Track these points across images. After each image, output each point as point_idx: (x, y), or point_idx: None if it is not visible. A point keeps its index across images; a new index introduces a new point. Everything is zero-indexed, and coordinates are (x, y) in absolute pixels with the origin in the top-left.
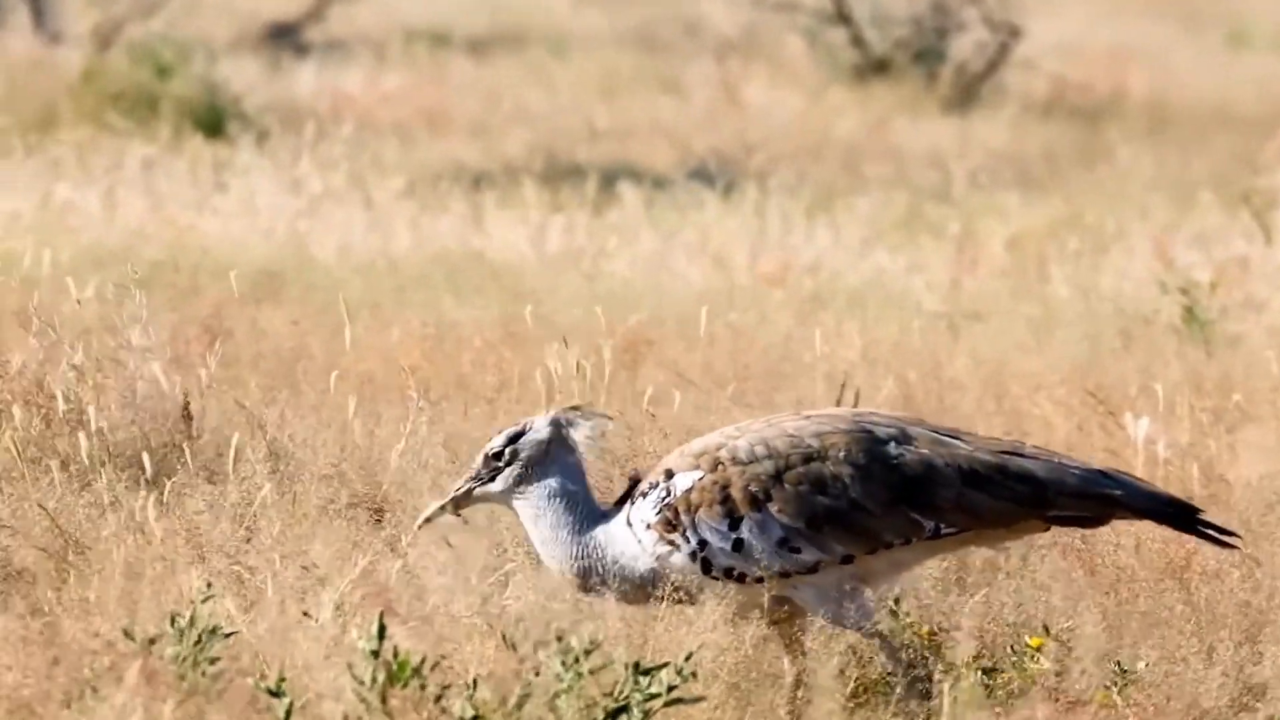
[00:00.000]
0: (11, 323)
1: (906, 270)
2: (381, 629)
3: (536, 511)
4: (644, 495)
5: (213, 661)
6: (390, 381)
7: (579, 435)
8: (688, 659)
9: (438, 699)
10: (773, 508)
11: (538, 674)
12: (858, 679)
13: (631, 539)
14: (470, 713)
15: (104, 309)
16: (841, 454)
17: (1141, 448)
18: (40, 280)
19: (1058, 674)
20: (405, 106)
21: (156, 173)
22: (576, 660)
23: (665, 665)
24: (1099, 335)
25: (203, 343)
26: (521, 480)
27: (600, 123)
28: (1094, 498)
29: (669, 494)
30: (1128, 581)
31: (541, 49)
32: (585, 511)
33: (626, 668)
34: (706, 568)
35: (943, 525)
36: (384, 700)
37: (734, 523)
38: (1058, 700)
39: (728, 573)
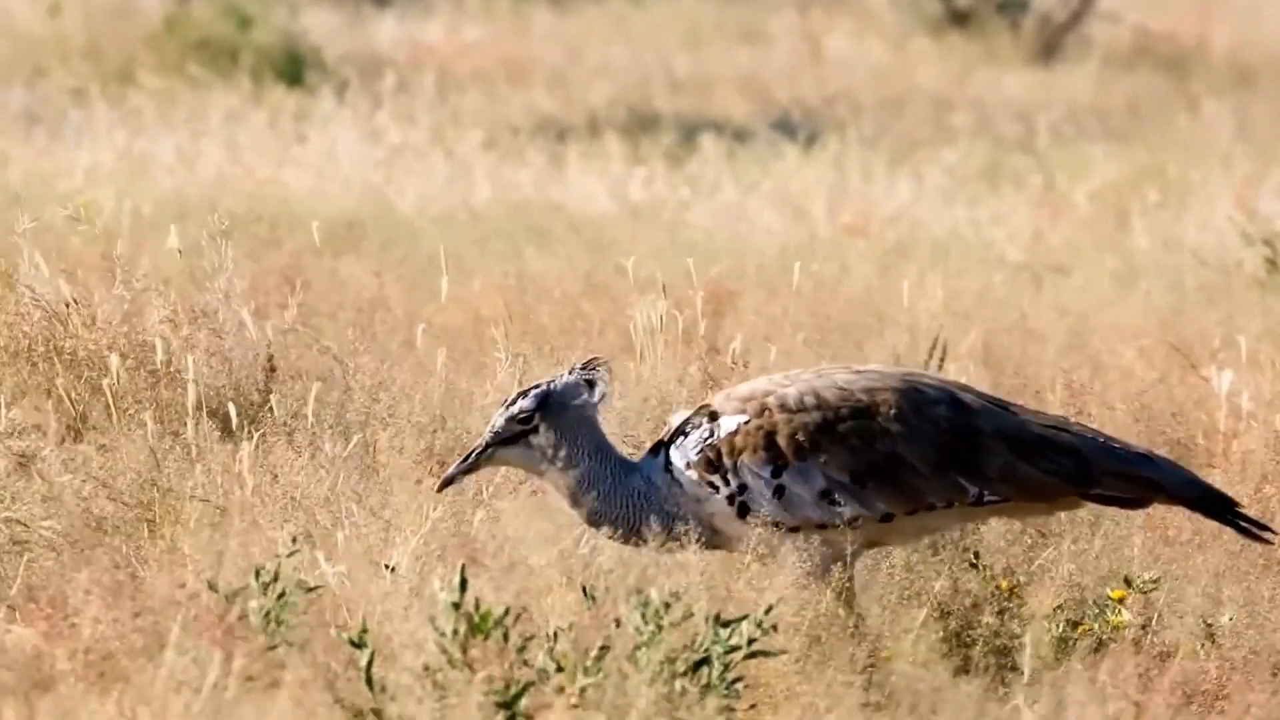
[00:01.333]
0: (95, 273)
1: (989, 222)
2: (463, 581)
3: (570, 471)
4: (684, 435)
5: (299, 614)
6: (472, 332)
7: (602, 390)
8: (768, 612)
9: (519, 650)
10: (818, 458)
11: (618, 626)
12: (939, 632)
13: (666, 482)
14: (551, 665)
15: (185, 260)
16: (892, 411)
17: (1225, 400)
18: (121, 231)
19: (1142, 627)
20: (486, 57)
21: (236, 124)
22: (657, 613)
23: (745, 618)
24: (1181, 287)
25: (282, 294)
26: (553, 442)
27: (681, 74)
28: (1136, 480)
29: (712, 434)
30: (1210, 535)
31: (623, 0)
32: (618, 464)
33: (707, 620)
34: (744, 511)
35: (986, 493)
36: (465, 651)
37: (777, 469)
38: (1141, 652)
39: (766, 519)
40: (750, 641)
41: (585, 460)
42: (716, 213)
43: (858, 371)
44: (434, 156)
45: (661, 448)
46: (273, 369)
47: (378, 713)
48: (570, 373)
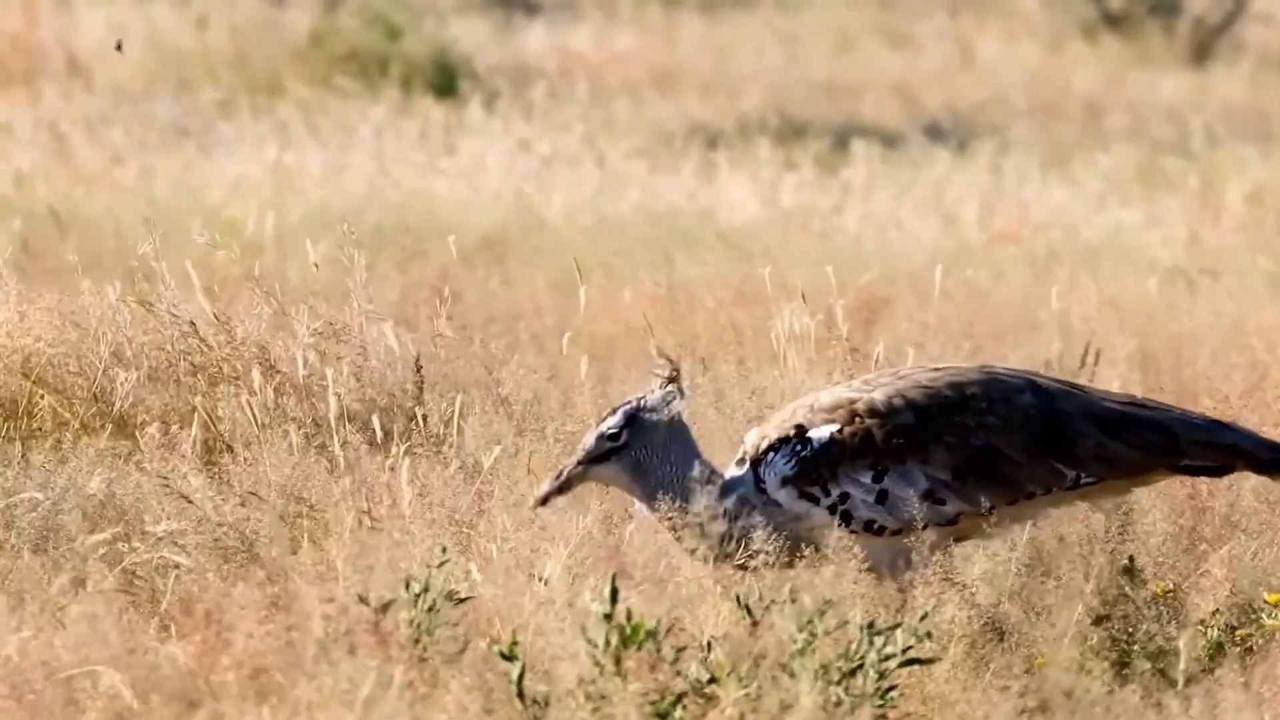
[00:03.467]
0: (239, 287)
1: (1144, 225)
2: (614, 591)
3: (663, 489)
4: (774, 450)
5: (450, 626)
6: (622, 342)
7: (686, 402)
8: (922, 619)
9: (672, 661)
10: (917, 459)
11: (772, 635)
12: (1095, 638)
13: (759, 501)
14: (704, 675)
15: (332, 272)
16: (983, 404)
17: None
18: (266, 244)
19: None
20: (636, 65)
21: (385, 135)
22: (811, 622)
23: (900, 625)
24: None
25: (431, 305)
26: (643, 459)
27: (832, 79)
28: (1221, 447)
29: (805, 447)
30: None
31: (772, 7)
32: (711, 480)
33: (861, 628)
34: (846, 520)
35: (1083, 475)
36: (617, 663)
37: (878, 474)
38: None
39: (867, 525)
40: (905, 649)
41: (678, 476)
42: (867, 219)
43: (936, 369)
44: (584, 165)
45: (748, 466)
46: (421, 380)
47: None
48: (658, 388)
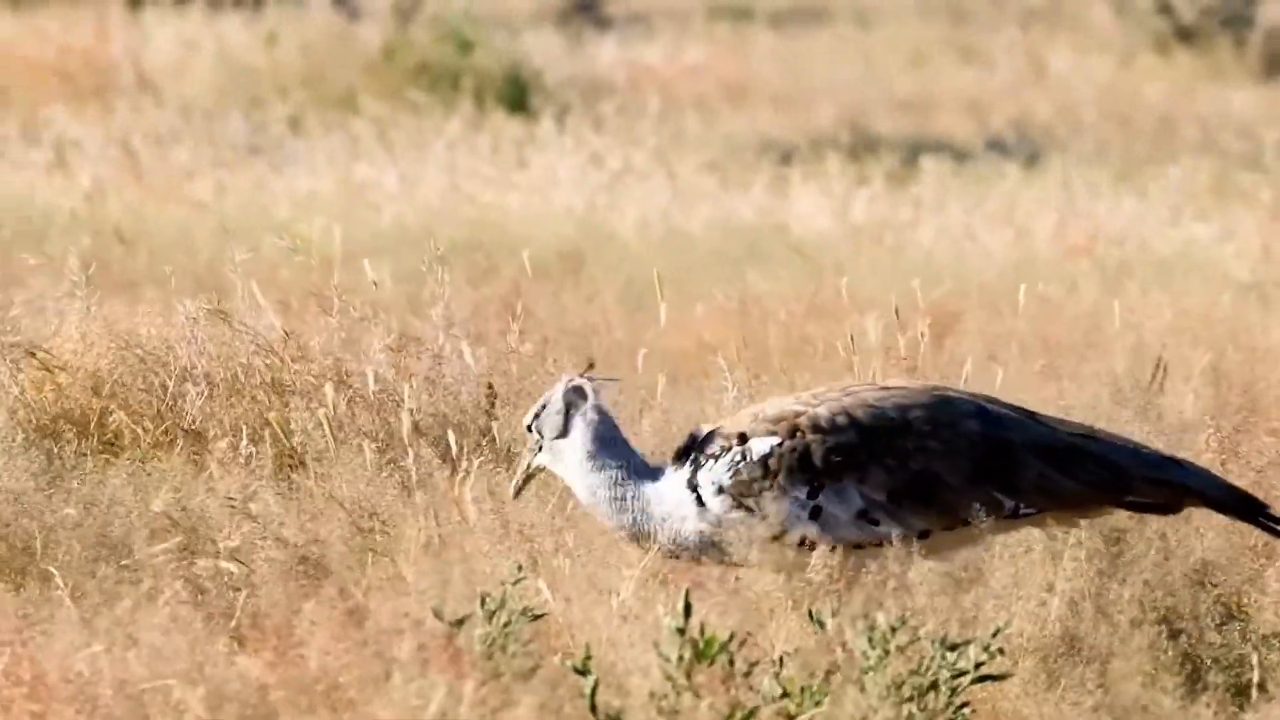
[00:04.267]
0: (311, 302)
1: (1217, 239)
2: (688, 606)
3: (575, 476)
4: (714, 458)
5: (523, 643)
6: (695, 357)
7: (602, 398)
8: (995, 634)
9: (745, 675)
10: (854, 478)
11: (845, 650)
12: (1168, 651)
13: (688, 500)
14: (777, 690)
15: (405, 287)
16: (926, 428)
17: None
18: (339, 259)
19: None
20: (707, 80)
21: (457, 149)
22: (884, 637)
23: (973, 641)
24: None
25: (503, 320)
26: (556, 449)
27: (904, 94)
28: (1169, 485)
29: (744, 458)
30: None
31: (844, 21)
32: (626, 470)
33: (934, 644)
34: (778, 535)
35: (1022, 505)
36: (690, 677)
37: (813, 490)
38: None
39: (800, 541)
40: (978, 665)
41: (584, 465)
42: (940, 233)
43: (885, 389)
44: (656, 180)
45: (687, 461)
46: (494, 396)
47: None
48: (563, 384)
